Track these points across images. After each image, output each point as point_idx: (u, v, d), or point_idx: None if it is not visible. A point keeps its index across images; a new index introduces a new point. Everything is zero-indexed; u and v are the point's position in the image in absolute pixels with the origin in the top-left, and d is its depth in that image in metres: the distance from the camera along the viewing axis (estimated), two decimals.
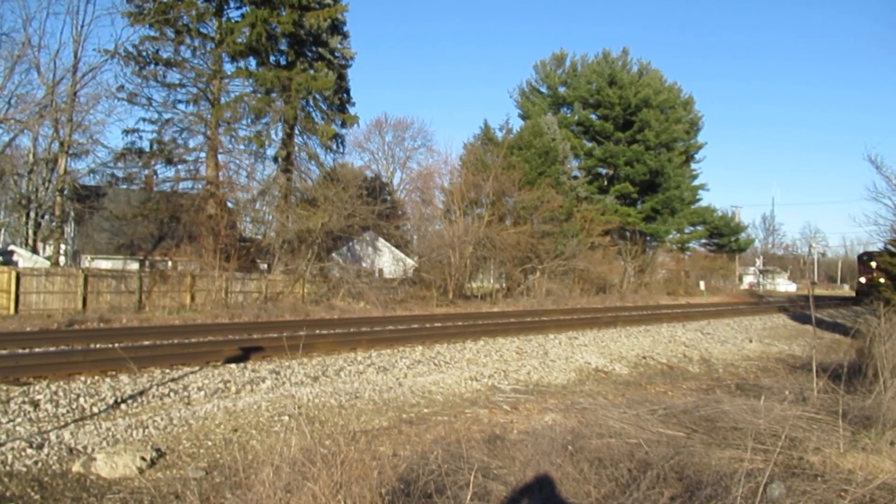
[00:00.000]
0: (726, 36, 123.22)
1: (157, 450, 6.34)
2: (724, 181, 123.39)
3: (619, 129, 52.85)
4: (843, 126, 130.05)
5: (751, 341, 18.86)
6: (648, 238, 55.39)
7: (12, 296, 23.68)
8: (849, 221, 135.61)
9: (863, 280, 47.14)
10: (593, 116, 54.18)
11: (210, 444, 6.72)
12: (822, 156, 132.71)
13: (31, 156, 40.37)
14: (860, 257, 50.15)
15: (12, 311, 23.37)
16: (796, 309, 36.54)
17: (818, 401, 8.31)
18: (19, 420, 6.94)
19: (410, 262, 42.30)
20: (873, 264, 45.10)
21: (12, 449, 6.05)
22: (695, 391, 10.43)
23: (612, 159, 51.97)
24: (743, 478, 4.90)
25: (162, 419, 7.30)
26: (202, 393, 8.58)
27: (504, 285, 41.63)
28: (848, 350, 13.23)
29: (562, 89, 55.64)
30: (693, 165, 58.16)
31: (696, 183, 57.12)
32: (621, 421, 7.19)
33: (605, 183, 53.37)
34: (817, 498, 5.07)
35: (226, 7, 33.64)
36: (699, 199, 56.72)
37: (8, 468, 5.74)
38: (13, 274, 24.19)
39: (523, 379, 11.25)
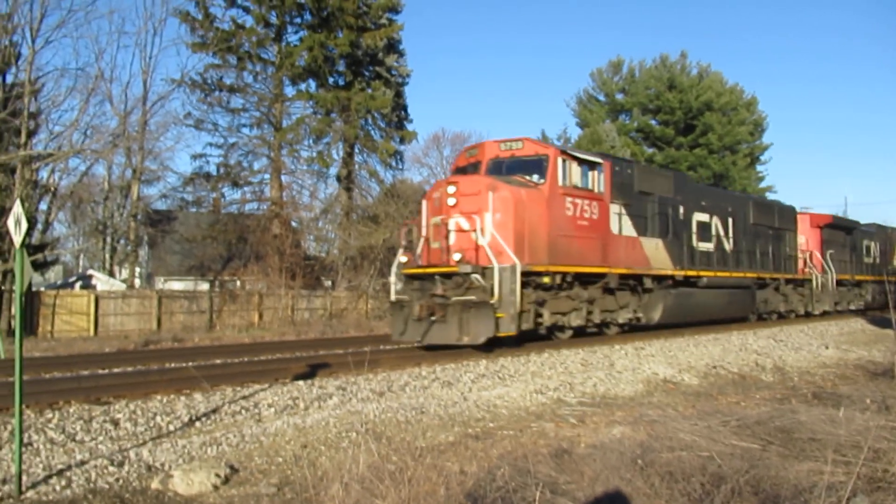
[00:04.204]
0: (788, 36, 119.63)
1: (231, 466, 6.50)
2: (793, 182, 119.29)
3: (681, 133, 51.89)
4: None
5: (827, 347, 18.14)
6: None
7: (91, 318, 24.76)
8: None
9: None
10: (653, 122, 53.37)
11: (280, 460, 6.86)
12: None
13: (105, 183, 42.26)
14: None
15: (92, 332, 24.43)
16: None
17: None
18: (101, 438, 7.22)
19: None
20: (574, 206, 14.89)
21: (95, 466, 6.30)
22: (769, 401, 10.08)
23: (674, 165, 50.99)
24: (823, 492, 4.71)
25: (234, 436, 7.48)
26: (272, 410, 8.76)
27: None
28: None
29: (620, 96, 55.04)
30: (759, 167, 56.69)
31: (762, 185, 55.61)
32: (692, 433, 7.01)
33: None
34: None
35: (284, 32, 34.60)
36: None
37: (92, 485, 5.98)
38: (92, 297, 25.31)
39: (589, 391, 11.09)
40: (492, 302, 12.83)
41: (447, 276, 13.76)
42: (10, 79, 27.07)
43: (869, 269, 32.24)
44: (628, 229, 17.13)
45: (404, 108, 38.21)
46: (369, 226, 33.58)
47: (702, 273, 19.67)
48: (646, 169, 19.62)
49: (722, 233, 21.49)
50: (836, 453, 5.93)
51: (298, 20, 34.79)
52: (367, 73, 36.02)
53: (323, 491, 5.33)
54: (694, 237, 19.87)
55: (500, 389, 10.71)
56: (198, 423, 7.99)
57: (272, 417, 8.44)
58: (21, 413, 5.83)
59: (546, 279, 14.38)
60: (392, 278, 15.16)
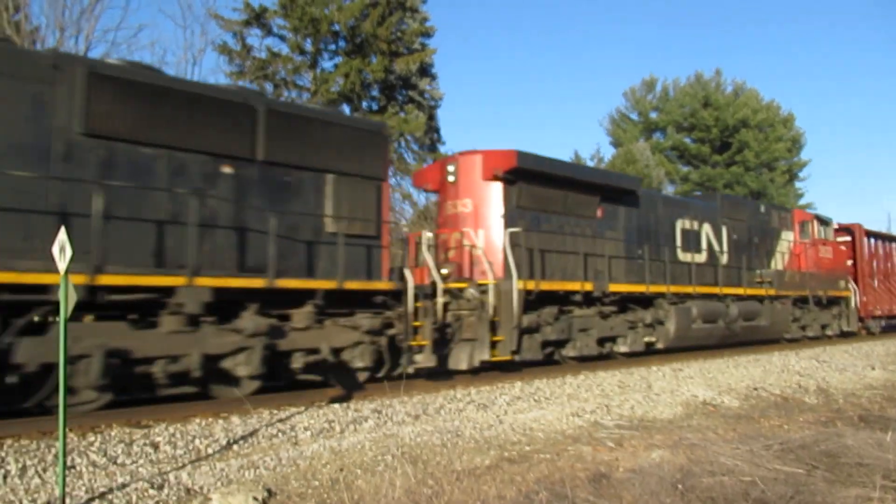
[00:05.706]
0: (825, 51, 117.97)
1: (268, 490, 6.54)
2: (836, 199, 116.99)
3: (717, 151, 51.43)
4: None
5: (873, 368, 17.65)
6: None
7: None
8: None
9: None
10: (688, 140, 52.97)
11: (317, 483, 6.88)
12: None
13: None
14: None
15: None
16: None
17: None
18: (141, 461, 7.33)
19: None
20: None
21: (136, 489, 6.39)
22: (813, 424, 9.84)
23: (710, 183, 50.45)
24: None
25: (271, 459, 7.54)
26: (308, 433, 8.81)
27: None
28: None
29: (653, 115, 54.76)
30: (798, 184, 55.81)
31: (801, 202, 54.63)
32: (733, 457, 6.88)
33: None
34: None
35: (319, 59, 35.20)
36: None
37: None
38: None
39: (627, 414, 10.94)
40: None
41: None
42: None
43: (691, 275, 18.23)
44: None
45: (437, 130, 38.48)
46: (404, 248, 33.70)
47: None
48: None
49: None
50: (885, 479, 5.76)
51: (333, 47, 35.43)
52: (399, 98, 36.42)
53: None
54: None
55: (536, 412, 10.62)
56: (235, 447, 8.07)
57: (309, 440, 8.48)
58: (65, 436, 5.95)
59: None
60: None
